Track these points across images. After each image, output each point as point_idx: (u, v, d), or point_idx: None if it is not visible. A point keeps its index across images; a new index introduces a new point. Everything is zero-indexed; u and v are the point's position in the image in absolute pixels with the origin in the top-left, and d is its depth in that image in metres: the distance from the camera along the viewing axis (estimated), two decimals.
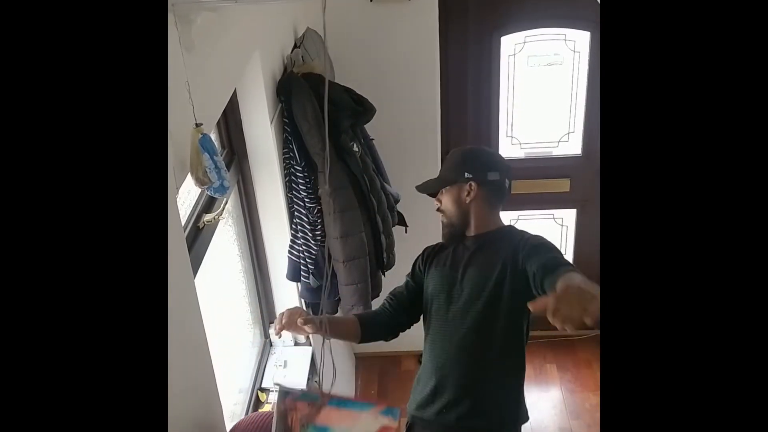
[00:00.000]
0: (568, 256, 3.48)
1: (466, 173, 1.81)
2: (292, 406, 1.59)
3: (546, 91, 3.13)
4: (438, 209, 1.89)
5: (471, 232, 1.85)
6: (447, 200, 1.85)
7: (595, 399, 3.27)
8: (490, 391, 1.83)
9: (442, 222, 1.90)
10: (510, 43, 3.03)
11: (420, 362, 1.95)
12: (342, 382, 3.25)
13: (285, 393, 1.60)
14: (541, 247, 1.71)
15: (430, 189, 1.90)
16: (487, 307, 1.75)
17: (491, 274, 1.75)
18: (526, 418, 1.92)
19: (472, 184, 1.80)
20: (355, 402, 1.70)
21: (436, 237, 3.32)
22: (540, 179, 3.29)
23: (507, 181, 1.85)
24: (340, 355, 3.20)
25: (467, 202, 1.82)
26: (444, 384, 1.82)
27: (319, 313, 2.63)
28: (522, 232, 1.82)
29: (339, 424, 1.60)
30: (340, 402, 1.64)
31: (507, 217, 3.42)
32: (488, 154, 1.91)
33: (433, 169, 3.18)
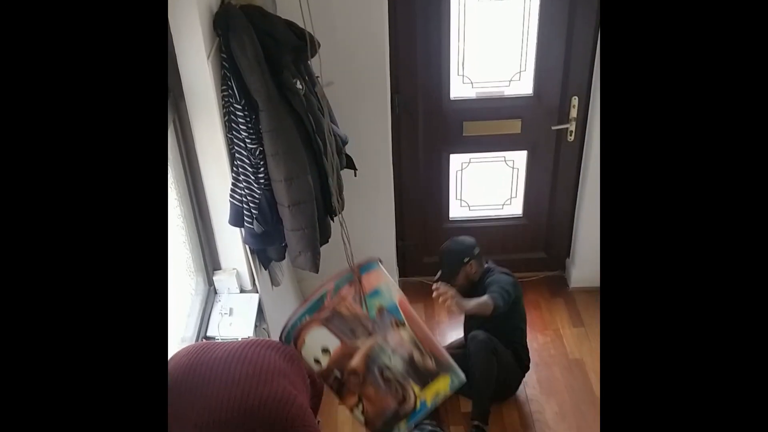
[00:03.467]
0: (518, 200, 3.48)
1: (464, 259, 2.83)
2: (339, 299, 1.79)
3: (497, 28, 3.03)
4: (454, 285, 2.71)
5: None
6: (461, 280, 2.84)
7: (542, 338, 3.33)
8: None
9: (458, 291, 2.65)
10: None
11: None
12: None
13: (320, 300, 1.77)
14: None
15: (448, 280, 2.77)
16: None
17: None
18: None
19: (473, 263, 2.85)
20: (371, 262, 1.91)
21: (386, 182, 3.26)
22: (492, 120, 3.23)
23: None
24: (290, 300, 3.15)
25: (476, 275, 2.86)
26: None
27: (266, 260, 2.58)
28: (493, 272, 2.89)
29: (378, 282, 1.86)
30: (366, 266, 1.87)
31: (459, 161, 3.37)
32: (464, 241, 2.89)
33: (382, 111, 3.09)
